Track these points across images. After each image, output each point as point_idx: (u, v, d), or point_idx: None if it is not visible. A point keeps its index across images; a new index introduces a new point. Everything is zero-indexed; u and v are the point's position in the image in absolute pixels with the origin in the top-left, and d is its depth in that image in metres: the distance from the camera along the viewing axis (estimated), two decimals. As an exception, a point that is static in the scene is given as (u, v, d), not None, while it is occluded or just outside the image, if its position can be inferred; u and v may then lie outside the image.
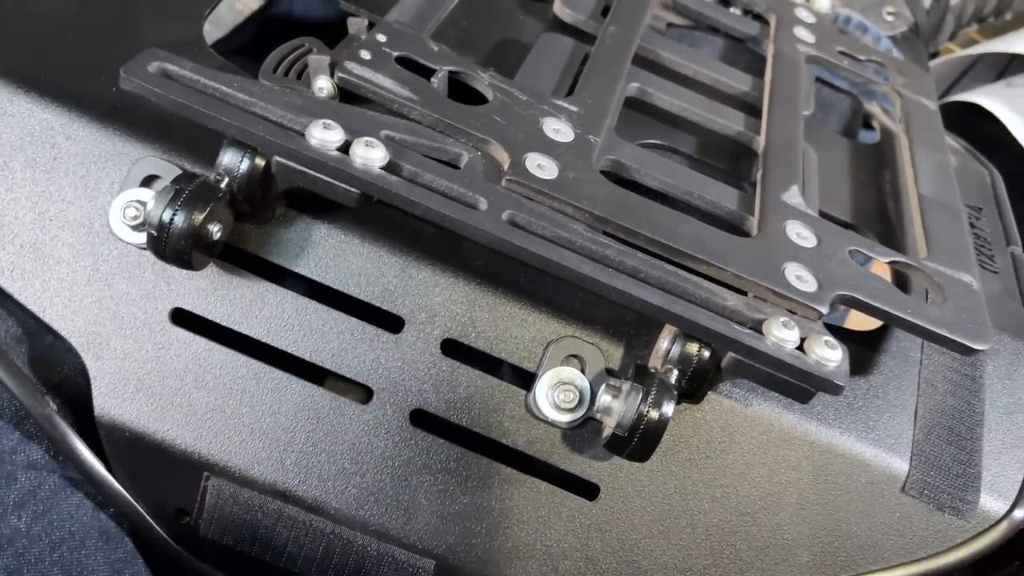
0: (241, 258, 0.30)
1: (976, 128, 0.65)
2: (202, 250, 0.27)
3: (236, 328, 0.30)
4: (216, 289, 0.30)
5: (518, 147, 0.29)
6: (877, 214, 0.37)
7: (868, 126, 0.46)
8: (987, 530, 0.30)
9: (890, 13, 0.60)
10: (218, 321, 0.30)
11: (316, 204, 0.29)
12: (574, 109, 0.32)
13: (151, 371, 0.30)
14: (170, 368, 0.30)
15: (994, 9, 0.66)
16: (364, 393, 0.30)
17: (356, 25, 0.33)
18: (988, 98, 0.63)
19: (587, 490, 0.30)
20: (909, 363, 0.32)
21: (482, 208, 0.27)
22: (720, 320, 0.27)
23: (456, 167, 0.29)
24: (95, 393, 0.30)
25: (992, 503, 0.30)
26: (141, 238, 0.29)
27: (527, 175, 0.28)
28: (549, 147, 0.30)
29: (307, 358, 0.30)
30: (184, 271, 0.29)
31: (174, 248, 0.27)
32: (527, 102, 0.32)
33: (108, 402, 0.30)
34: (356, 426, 0.30)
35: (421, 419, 0.30)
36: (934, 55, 0.68)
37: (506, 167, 0.29)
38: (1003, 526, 0.30)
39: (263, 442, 0.30)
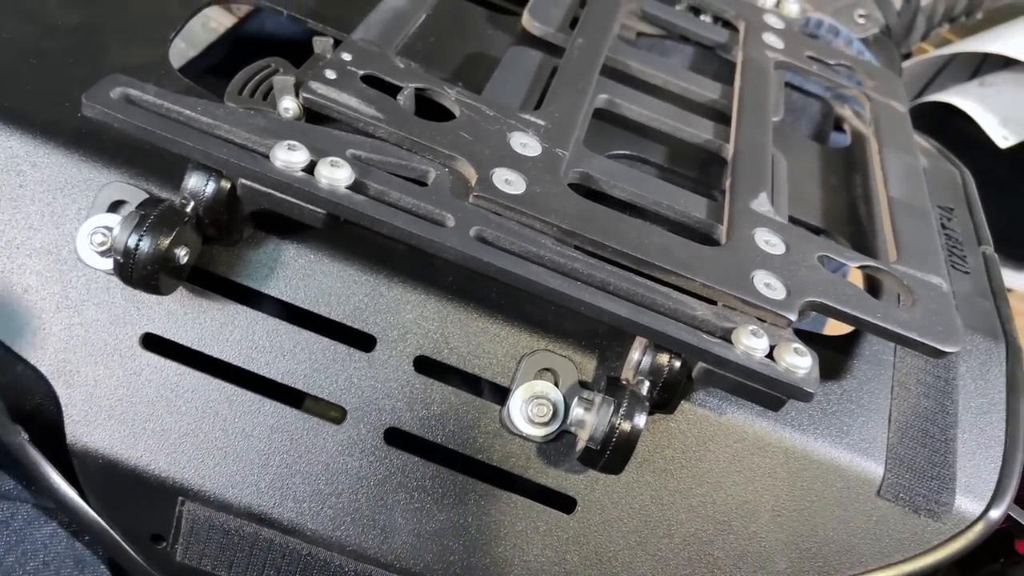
0: (210, 281, 0.30)
1: (951, 127, 0.66)
2: (170, 274, 0.27)
3: (207, 351, 0.30)
4: (186, 313, 0.30)
5: (485, 163, 0.29)
6: (848, 218, 0.37)
7: (840, 129, 0.46)
8: (963, 531, 0.30)
9: (861, 15, 0.61)
10: (189, 345, 0.30)
11: (284, 225, 0.29)
12: (541, 123, 0.32)
13: (123, 397, 0.30)
14: (142, 393, 0.30)
15: (965, 9, 0.66)
16: (340, 412, 0.30)
17: (321, 44, 0.33)
18: (962, 97, 0.63)
19: (564, 503, 0.30)
20: (882, 366, 0.33)
21: (450, 225, 0.27)
22: (689, 330, 0.27)
23: (423, 184, 0.29)
24: (67, 420, 0.30)
25: (967, 504, 0.30)
26: (109, 264, 0.29)
27: (494, 191, 0.28)
28: (516, 162, 0.30)
29: (279, 379, 0.30)
30: (154, 296, 0.29)
31: (141, 273, 0.27)
32: (494, 117, 0.32)
33: (80, 429, 0.30)
34: (330, 446, 0.30)
35: (396, 437, 0.30)
36: (907, 56, 0.69)
37: (473, 183, 0.29)
38: (979, 527, 0.30)
39: (237, 465, 0.30)
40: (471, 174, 0.29)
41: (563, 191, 0.30)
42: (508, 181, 0.29)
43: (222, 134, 0.27)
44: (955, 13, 0.66)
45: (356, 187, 0.27)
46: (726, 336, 0.27)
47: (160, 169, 0.30)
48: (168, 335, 0.30)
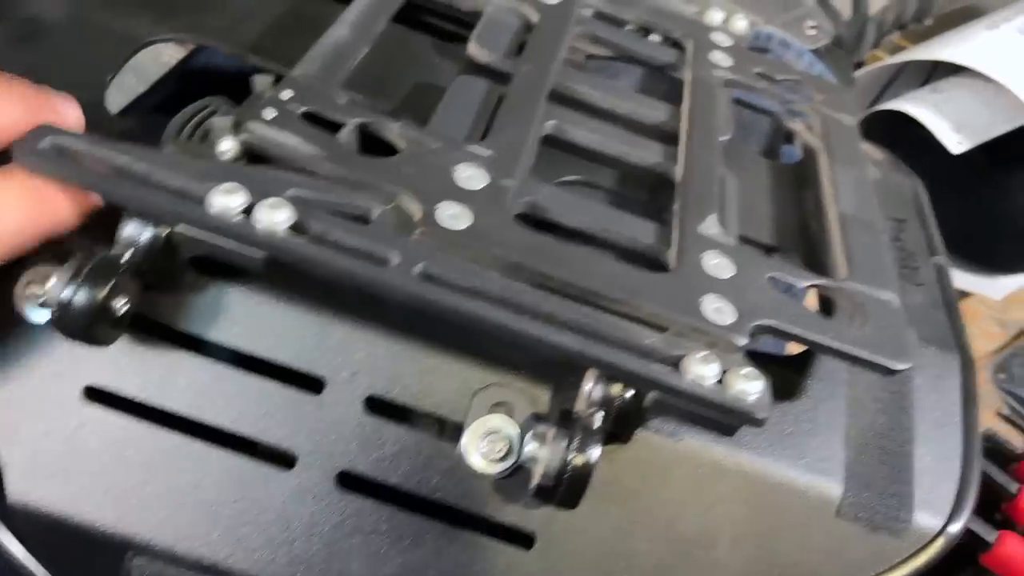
0: (153, 328, 0.29)
1: (908, 132, 0.67)
2: (109, 325, 0.27)
3: (151, 401, 0.30)
4: (128, 362, 0.29)
5: (430, 197, 0.29)
6: (800, 234, 0.37)
7: (791, 142, 0.46)
8: (924, 547, 0.30)
9: (811, 27, 0.62)
10: (132, 395, 0.30)
11: (227, 268, 0.29)
12: (487, 154, 0.32)
13: (66, 452, 0.29)
14: (86, 447, 0.29)
15: (914, 15, 0.68)
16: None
17: (261, 83, 0.33)
18: (914, 105, 0.65)
19: (523, 539, 0.30)
20: (837, 384, 0.33)
21: (394, 263, 0.27)
22: (638, 359, 0.27)
23: (367, 221, 0.29)
24: (8, 479, 0.29)
25: (927, 519, 0.31)
26: (47, 316, 0.29)
27: (439, 226, 0.28)
28: (462, 195, 0.30)
29: (227, 427, 0.30)
30: (95, 346, 0.29)
31: (78, 326, 0.26)
32: (439, 149, 0.32)
33: (23, 487, 0.29)
34: (282, 493, 0.30)
35: (349, 481, 0.30)
36: (859, 64, 0.70)
37: (418, 218, 0.29)
38: (939, 542, 0.30)
39: (187, 516, 0.30)
40: (415, 209, 0.29)
41: (509, 223, 0.30)
42: (453, 215, 0.29)
43: (157, 180, 0.27)
44: (904, 20, 0.67)
45: (296, 228, 0.27)
46: (676, 363, 0.27)
47: (100, 217, 0.29)
48: (111, 387, 0.30)
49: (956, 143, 0.63)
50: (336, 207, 0.29)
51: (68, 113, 0.29)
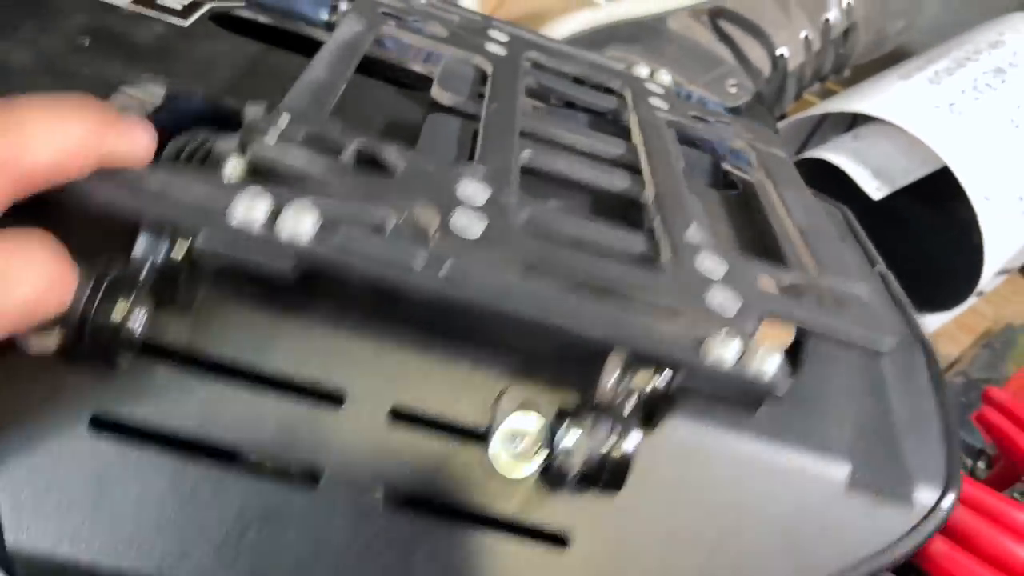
0: (164, 350, 0.30)
1: (832, 177, 0.74)
2: (123, 346, 0.28)
3: (163, 428, 0.30)
4: (138, 387, 0.30)
5: (441, 208, 0.32)
6: (763, 248, 0.42)
7: (726, 179, 0.52)
8: (926, 518, 0.34)
9: (732, 85, 0.69)
10: (142, 422, 0.30)
11: (241, 285, 0.30)
12: (483, 169, 0.35)
13: (73, 490, 0.29)
14: (94, 483, 0.29)
15: (832, 68, 0.76)
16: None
17: (253, 112, 0.35)
18: (835, 153, 0.72)
19: (558, 540, 0.32)
20: (826, 372, 0.36)
21: (418, 267, 0.29)
22: (670, 343, 0.30)
23: (383, 232, 0.31)
24: (6, 524, 0.29)
25: (924, 494, 0.34)
26: (50, 343, 0.29)
27: (454, 234, 0.31)
28: (470, 206, 0.33)
29: (246, 449, 0.30)
30: (101, 373, 0.29)
31: (93, 348, 0.27)
32: (439, 169, 0.34)
33: (24, 532, 0.29)
34: (308, 513, 0.30)
35: (376, 494, 0.31)
36: (782, 117, 0.78)
37: (432, 229, 0.31)
38: (939, 514, 0.34)
39: (208, 548, 0.29)
40: (430, 219, 0.31)
41: (518, 231, 0.33)
42: (465, 224, 0.32)
43: (175, 193, 0.28)
44: (824, 73, 0.76)
45: (319, 238, 0.29)
46: (697, 347, 0.30)
47: (108, 237, 0.30)
48: (120, 415, 0.30)
49: (875, 189, 0.70)
50: (351, 219, 0.31)
51: (138, 138, 0.28)
